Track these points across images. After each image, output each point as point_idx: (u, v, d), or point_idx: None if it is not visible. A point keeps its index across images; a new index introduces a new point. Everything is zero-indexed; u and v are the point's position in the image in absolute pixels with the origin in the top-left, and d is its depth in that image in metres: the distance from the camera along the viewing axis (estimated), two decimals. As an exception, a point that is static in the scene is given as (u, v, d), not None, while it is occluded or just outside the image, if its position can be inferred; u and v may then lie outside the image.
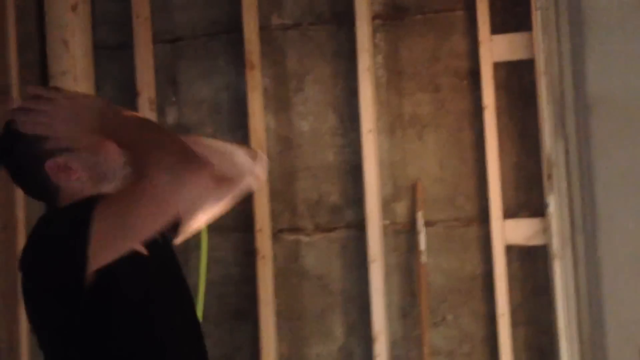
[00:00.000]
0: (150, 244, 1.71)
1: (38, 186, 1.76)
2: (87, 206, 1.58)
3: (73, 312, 1.63)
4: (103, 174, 1.75)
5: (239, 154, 1.87)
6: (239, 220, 3.34)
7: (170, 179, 1.50)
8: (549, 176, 2.62)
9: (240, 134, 3.34)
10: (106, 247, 1.56)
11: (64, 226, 1.61)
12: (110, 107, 1.65)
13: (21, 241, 3.07)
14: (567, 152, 2.19)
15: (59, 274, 1.59)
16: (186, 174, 1.51)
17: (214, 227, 3.31)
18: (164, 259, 1.86)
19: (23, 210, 3.10)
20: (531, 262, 3.05)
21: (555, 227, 2.68)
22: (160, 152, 1.54)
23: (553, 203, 2.63)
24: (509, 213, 3.05)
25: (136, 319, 1.70)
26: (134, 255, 1.66)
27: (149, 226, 1.57)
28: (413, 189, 3.19)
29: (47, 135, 1.66)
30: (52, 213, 1.76)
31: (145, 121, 1.72)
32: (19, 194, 3.07)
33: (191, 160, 1.54)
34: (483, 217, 3.09)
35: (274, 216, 3.31)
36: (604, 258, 0.99)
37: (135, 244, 1.62)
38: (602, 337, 0.96)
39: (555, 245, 2.69)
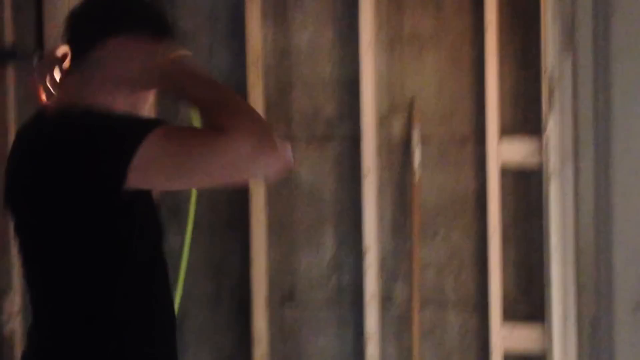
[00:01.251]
0: None
1: None
2: (149, 123, 1.57)
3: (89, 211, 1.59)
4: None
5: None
6: (234, 129, 3.33)
7: (253, 147, 1.46)
8: (551, 93, 2.63)
9: (237, 44, 3.30)
10: (150, 172, 1.54)
11: (121, 126, 1.59)
12: (175, 63, 1.65)
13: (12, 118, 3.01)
14: (574, 66, 2.17)
15: (98, 167, 1.56)
16: (266, 149, 1.47)
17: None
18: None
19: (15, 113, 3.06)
20: (525, 182, 3.07)
21: (553, 146, 2.69)
22: (242, 117, 1.51)
23: (552, 121, 2.64)
24: (506, 132, 3.06)
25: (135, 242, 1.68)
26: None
27: (206, 181, 1.57)
28: (410, 105, 3.19)
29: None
30: (113, 115, 1.68)
31: (213, 81, 1.67)
32: (10, 99, 3.02)
33: (271, 137, 1.50)
34: (479, 135, 3.10)
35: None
36: (617, 171, 0.98)
37: (175, 187, 1.60)
38: (608, 253, 0.96)
39: (552, 163, 2.70)
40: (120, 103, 1.70)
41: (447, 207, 3.17)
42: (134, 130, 1.57)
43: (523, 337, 3.04)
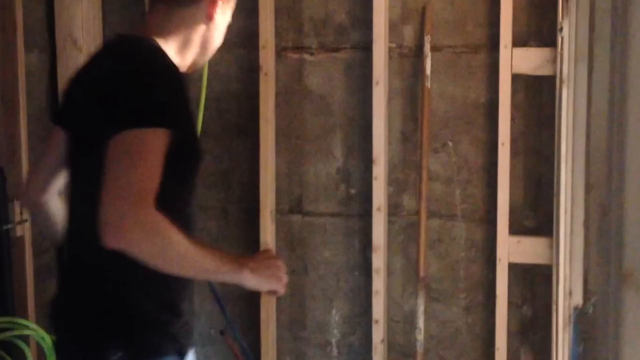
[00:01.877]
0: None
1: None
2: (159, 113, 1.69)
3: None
4: (202, 52, 1.96)
5: None
6: (243, 36, 3.28)
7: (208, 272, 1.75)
8: (567, -1, 2.55)
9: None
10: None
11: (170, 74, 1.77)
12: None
13: (21, 43, 3.00)
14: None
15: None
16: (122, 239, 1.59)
17: (217, 42, 3.25)
18: None
19: (22, 12, 3.02)
20: (537, 93, 3.02)
21: (567, 53, 2.62)
22: (214, 271, 1.73)
23: (567, 27, 2.57)
24: (519, 42, 3.00)
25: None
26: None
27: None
28: (422, 12, 3.12)
29: None
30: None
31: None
32: (19, 27, 3.00)
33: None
34: (492, 44, 3.04)
35: (279, 34, 3.25)
36: (633, 74, 0.94)
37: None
38: (621, 160, 0.93)
39: (566, 68, 2.64)
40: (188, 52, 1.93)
41: (457, 117, 3.13)
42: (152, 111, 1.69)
43: (529, 249, 3.03)
